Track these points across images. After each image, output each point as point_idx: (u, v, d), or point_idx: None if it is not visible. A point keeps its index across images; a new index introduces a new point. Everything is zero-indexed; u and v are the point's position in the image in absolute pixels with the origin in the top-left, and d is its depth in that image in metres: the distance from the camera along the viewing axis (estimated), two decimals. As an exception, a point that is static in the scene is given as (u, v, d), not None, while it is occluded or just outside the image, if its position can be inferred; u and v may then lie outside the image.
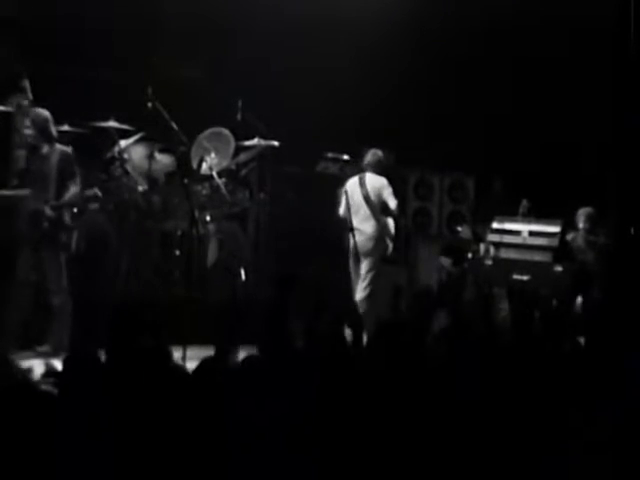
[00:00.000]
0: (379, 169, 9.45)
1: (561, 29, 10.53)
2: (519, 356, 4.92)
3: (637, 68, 7.70)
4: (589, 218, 9.40)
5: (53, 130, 7.91)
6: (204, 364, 4.28)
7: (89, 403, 3.88)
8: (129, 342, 4.59)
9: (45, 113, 7.93)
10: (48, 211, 7.71)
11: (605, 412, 3.99)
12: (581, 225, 9.42)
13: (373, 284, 9.25)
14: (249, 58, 10.57)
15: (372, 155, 9.48)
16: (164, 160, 9.91)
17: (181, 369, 4.29)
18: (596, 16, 9.22)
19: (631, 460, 3.84)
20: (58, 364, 7.08)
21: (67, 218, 7.87)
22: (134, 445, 3.67)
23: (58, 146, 7.89)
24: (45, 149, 7.82)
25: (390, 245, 9.42)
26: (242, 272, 9.73)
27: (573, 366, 4.59)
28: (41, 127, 7.82)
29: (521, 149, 10.91)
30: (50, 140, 7.85)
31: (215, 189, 9.74)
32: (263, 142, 10.02)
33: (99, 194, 7.93)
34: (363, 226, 9.25)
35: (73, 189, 7.82)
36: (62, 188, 7.80)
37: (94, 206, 8.26)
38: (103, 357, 4.57)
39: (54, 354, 7.49)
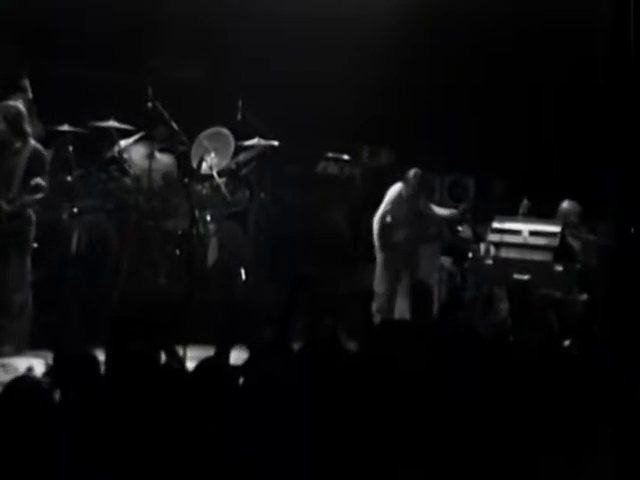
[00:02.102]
0: None
1: (560, 28, 10.52)
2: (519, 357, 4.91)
3: (637, 68, 7.68)
4: (573, 213, 9.43)
5: (26, 126, 7.67)
6: (203, 364, 4.28)
7: (85, 404, 3.88)
8: (128, 344, 4.59)
9: (18, 108, 7.72)
10: (4, 205, 7.47)
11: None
12: (572, 220, 9.42)
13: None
14: (249, 58, 10.57)
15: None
16: (164, 160, 9.91)
17: (180, 371, 4.28)
18: (595, 15, 9.20)
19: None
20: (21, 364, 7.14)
21: (31, 213, 7.66)
22: (131, 446, 3.67)
23: (32, 143, 7.66)
24: (17, 144, 7.59)
25: None
26: (242, 272, 9.74)
27: (572, 368, 4.59)
28: (12, 122, 7.58)
29: (521, 148, 10.91)
30: (23, 136, 7.63)
31: (215, 189, 9.74)
32: (263, 142, 10.03)
33: (42, 184, 7.62)
34: None
35: (40, 186, 7.63)
36: (29, 184, 7.58)
37: (38, 197, 7.85)
38: (102, 358, 4.56)
39: (16, 354, 7.46)
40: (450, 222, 10.62)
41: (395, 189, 9.79)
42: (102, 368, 4.41)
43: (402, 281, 9.71)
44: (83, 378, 4.19)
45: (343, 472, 3.73)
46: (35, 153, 7.65)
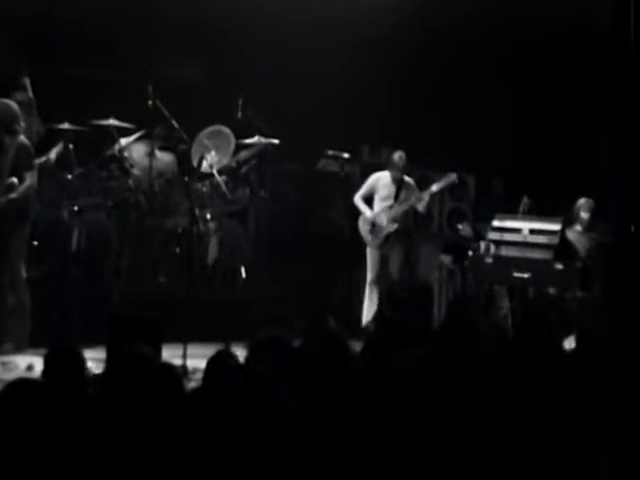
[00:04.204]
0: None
1: (560, 28, 10.52)
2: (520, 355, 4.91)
3: (637, 68, 7.69)
4: (589, 210, 9.43)
5: (17, 125, 7.66)
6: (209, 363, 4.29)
7: (83, 402, 3.89)
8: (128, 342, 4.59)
9: (10, 106, 7.71)
10: None
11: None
12: (584, 216, 9.41)
13: None
14: (249, 56, 10.57)
15: None
16: (165, 158, 9.92)
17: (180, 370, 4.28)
18: (595, 15, 9.21)
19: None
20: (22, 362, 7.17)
21: (25, 210, 7.67)
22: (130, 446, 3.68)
23: (19, 139, 7.66)
24: (6, 141, 7.60)
25: None
26: (242, 270, 9.75)
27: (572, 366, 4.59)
28: (4, 121, 7.61)
29: (522, 147, 10.92)
30: (13, 133, 7.63)
31: (215, 187, 9.75)
32: (263, 140, 10.03)
33: (15, 182, 7.57)
34: None
35: (28, 181, 7.62)
36: (19, 180, 7.58)
37: (25, 190, 7.79)
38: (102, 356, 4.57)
39: (17, 352, 7.48)
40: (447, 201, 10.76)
41: (377, 174, 9.91)
42: (93, 365, 4.44)
43: (391, 273, 9.69)
44: (70, 374, 4.20)
45: (346, 472, 3.74)
46: (21, 147, 7.66)
